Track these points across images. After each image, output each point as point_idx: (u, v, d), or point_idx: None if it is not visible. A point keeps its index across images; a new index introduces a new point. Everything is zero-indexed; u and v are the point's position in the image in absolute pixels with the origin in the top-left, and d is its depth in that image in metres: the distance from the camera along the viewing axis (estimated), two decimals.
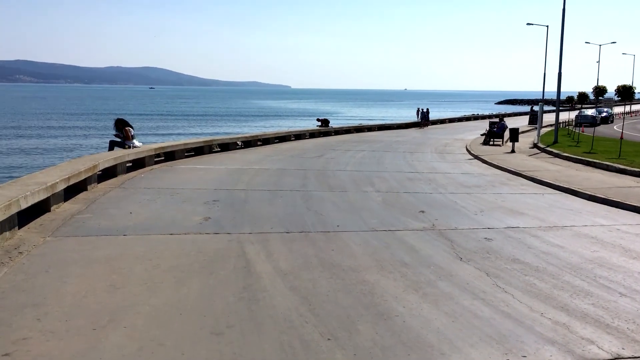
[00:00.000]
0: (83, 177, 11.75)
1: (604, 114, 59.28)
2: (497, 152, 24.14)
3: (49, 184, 9.60)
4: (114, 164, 14.50)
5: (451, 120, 57.95)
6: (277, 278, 6.52)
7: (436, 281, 6.45)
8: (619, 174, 17.01)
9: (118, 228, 8.83)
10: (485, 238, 8.63)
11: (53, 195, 9.90)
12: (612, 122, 58.74)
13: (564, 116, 62.11)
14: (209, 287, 6.19)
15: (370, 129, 41.96)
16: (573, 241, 8.57)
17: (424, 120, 45.16)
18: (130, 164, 16.54)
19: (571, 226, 9.68)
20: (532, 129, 42.27)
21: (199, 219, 9.74)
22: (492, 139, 29.62)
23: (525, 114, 75.54)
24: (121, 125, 17.35)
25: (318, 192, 13.06)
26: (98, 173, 13.27)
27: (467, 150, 26.37)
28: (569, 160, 21.61)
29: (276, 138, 28.55)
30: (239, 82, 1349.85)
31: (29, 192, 8.60)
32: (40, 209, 9.66)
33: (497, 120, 34.02)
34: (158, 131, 59.31)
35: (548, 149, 26.05)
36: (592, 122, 52.76)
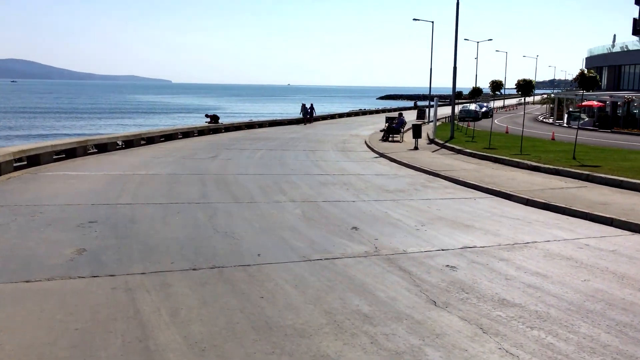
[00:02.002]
0: None
1: (484, 109, 61.54)
2: (401, 149, 23.10)
3: None
4: None
5: (340, 116, 57.31)
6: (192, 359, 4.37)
7: (423, 348, 4.61)
8: (533, 172, 16.34)
9: None
10: (448, 266, 6.97)
11: None
12: (491, 116, 61.13)
13: (445, 111, 63.99)
14: None
15: (261, 125, 39.94)
16: (551, 266, 7.13)
17: (309, 115, 43.73)
18: None
19: (533, 242, 8.31)
20: (421, 124, 42.24)
21: (69, 252, 7.25)
22: (390, 135, 28.71)
23: (409, 108, 77.07)
24: None
25: (222, 204, 10.87)
26: None
27: (369, 146, 25.20)
28: (473, 156, 20.95)
29: (162, 136, 25.68)
30: (116, 75, 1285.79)
31: None
32: None
33: (395, 115, 33.33)
34: (19, 132, 49.61)
35: (448, 144, 25.49)
36: (475, 116, 54.37)
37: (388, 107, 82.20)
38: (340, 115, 57.29)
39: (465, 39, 65.91)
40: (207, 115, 34.64)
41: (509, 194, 12.05)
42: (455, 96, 31.82)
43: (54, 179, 13.43)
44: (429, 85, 50.44)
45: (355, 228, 8.99)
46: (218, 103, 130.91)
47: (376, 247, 7.80)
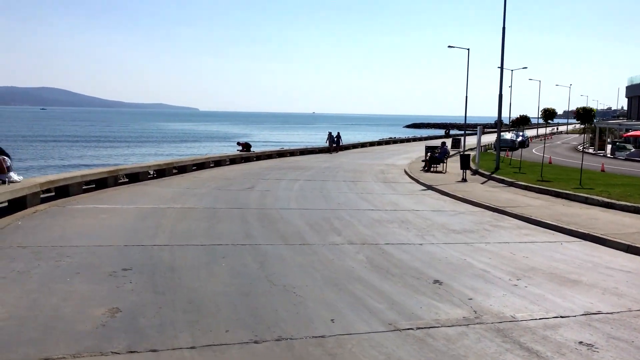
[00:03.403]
0: None
1: (520, 138, 59.70)
2: (448, 181, 21.56)
3: None
4: None
5: (371, 144, 55.98)
6: None
7: None
8: (607, 209, 14.65)
9: None
10: (582, 343, 5.42)
11: None
12: (527, 145, 59.14)
13: (475, 140, 62.06)
14: None
15: (292, 153, 38.87)
16: None
17: (335, 144, 42.58)
18: (6, 204, 12.24)
19: None
20: (456, 153, 40.59)
21: (101, 312, 5.91)
22: (433, 165, 27.19)
23: (440, 137, 75.43)
24: None
25: (271, 246, 9.48)
26: None
27: (411, 177, 23.73)
28: (529, 190, 19.28)
29: (194, 165, 24.63)
30: (145, 103, 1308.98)
31: None
32: None
33: (433, 144, 31.86)
34: (48, 161, 46.77)
35: (495, 176, 23.85)
36: (512, 146, 52.53)
37: (418, 135, 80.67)
38: (371, 144, 55.97)
39: (498, 67, 64.54)
40: (238, 143, 33.67)
41: (602, 238, 10.41)
42: (496, 125, 30.31)
43: (83, 214, 12.23)
44: (456, 114, 49.32)
45: (437, 282, 7.49)
46: (244, 131, 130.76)
47: (475, 311, 6.29)
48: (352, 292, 6.91)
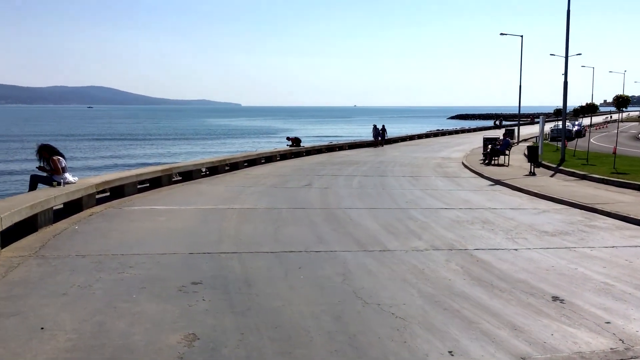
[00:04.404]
0: None
1: (577, 128, 57.08)
2: (515, 175, 20.19)
3: None
4: (32, 214, 9.58)
5: (419, 137, 54.39)
6: None
7: None
8: None
9: None
10: None
11: None
12: (584, 135, 56.54)
13: (528, 130, 59.76)
14: None
15: (341, 147, 37.89)
16: None
17: (380, 138, 41.10)
18: (61, 207, 11.67)
19: None
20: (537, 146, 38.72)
21: (176, 341, 5.07)
22: (493, 158, 25.76)
23: (488, 128, 73.09)
24: (47, 154, 12.35)
25: (349, 253, 8.53)
26: (2, 231, 8.36)
27: (473, 171, 22.45)
28: (606, 183, 17.74)
29: (245, 162, 23.92)
30: (188, 100, 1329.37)
31: None
32: None
33: (495, 137, 30.34)
34: (96, 161, 45.00)
35: (563, 168, 22.30)
36: (569, 135, 50.13)
37: (466, 127, 78.37)
38: (419, 137, 54.39)
39: (551, 54, 61.90)
40: (288, 138, 32.84)
41: None
42: (555, 113, 28.57)
43: (141, 216, 11.56)
44: (502, 104, 47.17)
45: (557, 299, 6.38)
46: (286, 125, 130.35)
47: (621, 340, 5.18)
48: (460, 313, 5.89)
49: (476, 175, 21.21)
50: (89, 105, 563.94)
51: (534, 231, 10.37)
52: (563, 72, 24.99)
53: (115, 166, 39.97)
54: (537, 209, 13.18)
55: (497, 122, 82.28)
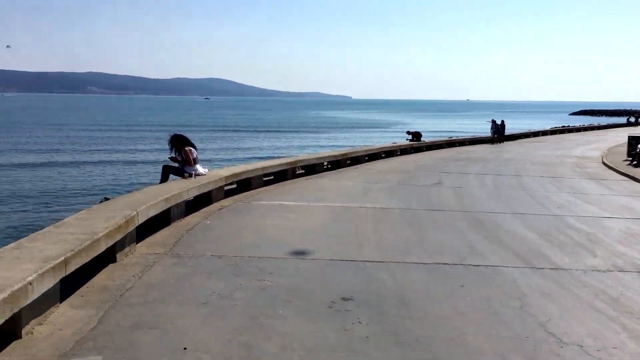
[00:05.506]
0: (102, 247, 6.40)
1: None
2: None
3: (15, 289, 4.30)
4: (166, 207, 9.22)
5: (544, 133, 50.55)
6: None
7: None
8: None
9: None
10: None
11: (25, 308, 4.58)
12: None
13: None
14: None
15: (461, 143, 35.85)
16: None
17: (499, 134, 37.87)
18: (191, 199, 11.34)
19: None
20: None
21: None
22: None
23: (618, 125, 67.02)
24: (179, 145, 12.10)
25: (514, 269, 7.28)
26: (137, 225, 7.98)
27: (622, 173, 19.98)
28: None
29: (366, 156, 23.02)
30: (301, 92, 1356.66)
31: None
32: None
33: (634, 134, 27.23)
34: (217, 153, 44.14)
35: None
36: None
37: (595, 124, 72.41)
38: (544, 133, 50.64)
39: None
40: (408, 132, 31.51)
41: None
42: None
43: (270, 212, 10.96)
44: (629, 100, 42.12)
45: None
46: (398, 118, 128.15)
47: None
48: None
49: (626, 178, 18.86)
50: (206, 97, 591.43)
51: None
52: None
53: (236, 159, 39.98)
54: None
55: (632, 119, 75.30)
